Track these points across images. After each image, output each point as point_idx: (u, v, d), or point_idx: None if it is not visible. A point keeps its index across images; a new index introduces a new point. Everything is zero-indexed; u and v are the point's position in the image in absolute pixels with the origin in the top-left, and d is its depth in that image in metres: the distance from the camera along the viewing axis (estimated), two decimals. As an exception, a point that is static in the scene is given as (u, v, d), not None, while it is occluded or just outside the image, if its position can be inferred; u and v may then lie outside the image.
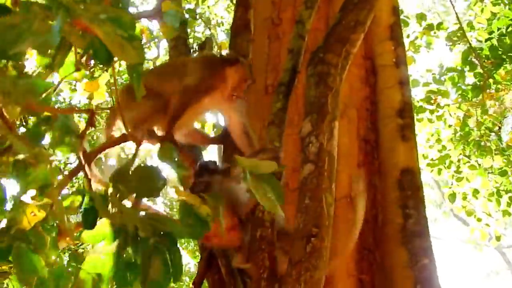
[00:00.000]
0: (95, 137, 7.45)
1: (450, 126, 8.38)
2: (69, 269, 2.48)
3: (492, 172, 8.19)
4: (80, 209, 2.11)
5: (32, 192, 2.27)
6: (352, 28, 2.61)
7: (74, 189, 7.06)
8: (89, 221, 1.90)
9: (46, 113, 2.11)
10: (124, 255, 1.86)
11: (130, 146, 2.88)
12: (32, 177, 1.91)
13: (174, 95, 3.02)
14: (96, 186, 2.07)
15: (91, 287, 1.84)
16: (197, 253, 7.17)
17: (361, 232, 3.33)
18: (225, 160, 3.32)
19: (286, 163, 2.89)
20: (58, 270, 2.21)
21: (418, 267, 3.10)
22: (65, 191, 2.26)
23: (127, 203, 1.91)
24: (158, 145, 2.85)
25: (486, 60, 7.66)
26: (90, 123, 2.04)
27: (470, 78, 8.02)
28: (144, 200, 2.29)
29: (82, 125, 2.54)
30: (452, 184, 8.46)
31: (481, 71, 7.60)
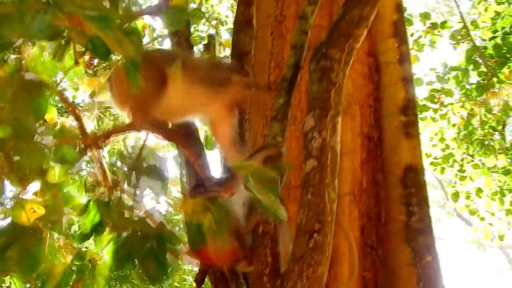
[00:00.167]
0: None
1: (454, 125, 8.36)
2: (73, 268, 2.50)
3: (495, 171, 8.17)
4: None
5: (34, 188, 2.27)
6: (355, 24, 2.58)
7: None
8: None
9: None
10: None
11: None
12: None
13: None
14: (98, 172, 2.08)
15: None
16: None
17: (364, 229, 3.34)
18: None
19: (288, 160, 2.88)
20: (59, 267, 2.22)
21: (421, 265, 3.09)
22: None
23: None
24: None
25: (490, 59, 7.64)
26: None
27: (474, 77, 8.00)
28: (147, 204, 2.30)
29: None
30: (455, 183, 8.44)
31: (485, 70, 7.58)
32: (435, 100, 8.02)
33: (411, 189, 3.35)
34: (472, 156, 8.27)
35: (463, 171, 8.31)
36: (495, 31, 7.85)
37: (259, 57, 3.73)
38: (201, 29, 9.04)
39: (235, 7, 4.00)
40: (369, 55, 3.88)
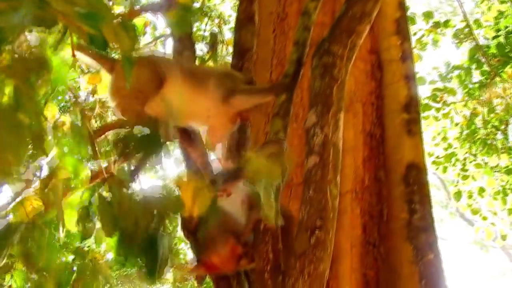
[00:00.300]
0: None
1: (456, 124, 8.33)
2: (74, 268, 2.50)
3: (498, 170, 8.15)
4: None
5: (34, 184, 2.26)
6: (358, 19, 2.58)
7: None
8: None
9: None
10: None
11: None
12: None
13: None
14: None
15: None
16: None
17: (366, 227, 3.33)
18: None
19: (290, 157, 2.86)
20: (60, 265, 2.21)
21: (424, 262, 3.08)
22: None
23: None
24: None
25: (493, 58, 7.61)
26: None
27: (476, 76, 7.98)
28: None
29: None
30: (457, 183, 8.42)
31: (488, 69, 7.55)
32: (438, 99, 7.99)
33: (413, 187, 3.34)
34: (474, 155, 8.24)
35: (466, 170, 8.28)
36: (498, 30, 7.81)
37: (261, 54, 3.73)
38: (203, 28, 9.02)
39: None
40: (372, 53, 3.87)
